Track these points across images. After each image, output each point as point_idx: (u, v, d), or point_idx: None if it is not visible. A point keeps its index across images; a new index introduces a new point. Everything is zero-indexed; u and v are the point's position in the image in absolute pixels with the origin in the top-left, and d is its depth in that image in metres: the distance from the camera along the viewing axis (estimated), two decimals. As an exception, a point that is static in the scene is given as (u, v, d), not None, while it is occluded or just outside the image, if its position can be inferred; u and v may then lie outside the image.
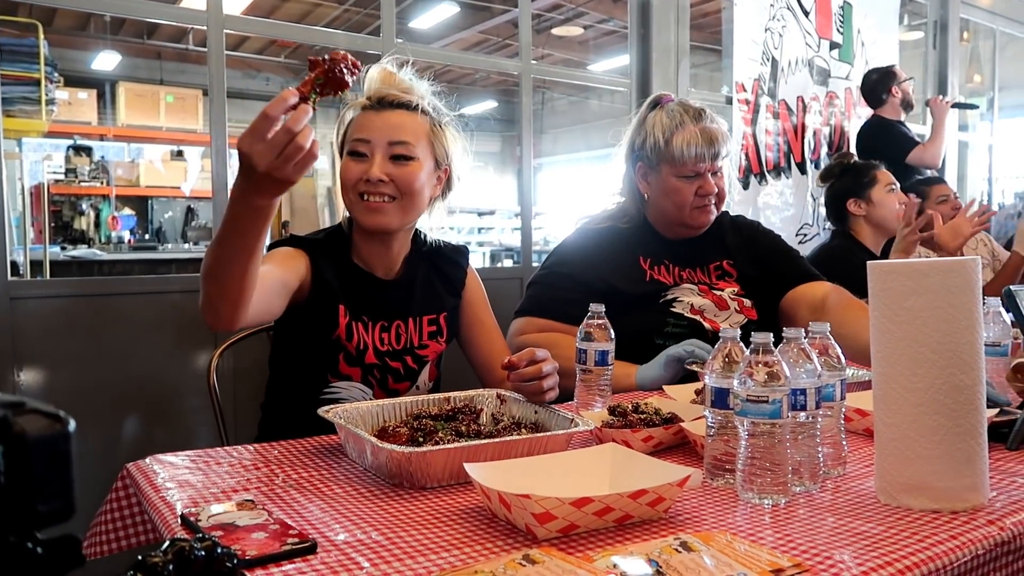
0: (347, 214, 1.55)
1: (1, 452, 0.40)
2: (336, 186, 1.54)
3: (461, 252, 1.70)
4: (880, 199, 2.75)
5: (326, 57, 1.05)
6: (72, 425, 0.43)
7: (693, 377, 1.62)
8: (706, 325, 1.78)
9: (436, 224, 1.64)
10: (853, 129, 3.90)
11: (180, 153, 8.13)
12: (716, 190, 1.81)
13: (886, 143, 3.71)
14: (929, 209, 2.72)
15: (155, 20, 4.41)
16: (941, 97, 3.94)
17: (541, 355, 1.33)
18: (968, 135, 5.16)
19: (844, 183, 2.83)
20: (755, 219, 2.34)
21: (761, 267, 1.92)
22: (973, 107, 4.38)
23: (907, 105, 3.77)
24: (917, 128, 4.25)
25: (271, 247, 1.51)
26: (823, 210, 3.82)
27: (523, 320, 1.80)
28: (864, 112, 3.86)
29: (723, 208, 1.90)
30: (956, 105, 3.94)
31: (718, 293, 1.85)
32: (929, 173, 3.68)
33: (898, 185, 2.81)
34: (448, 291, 1.65)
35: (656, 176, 1.83)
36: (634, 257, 1.85)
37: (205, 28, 2.19)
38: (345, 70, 1.05)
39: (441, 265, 1.65)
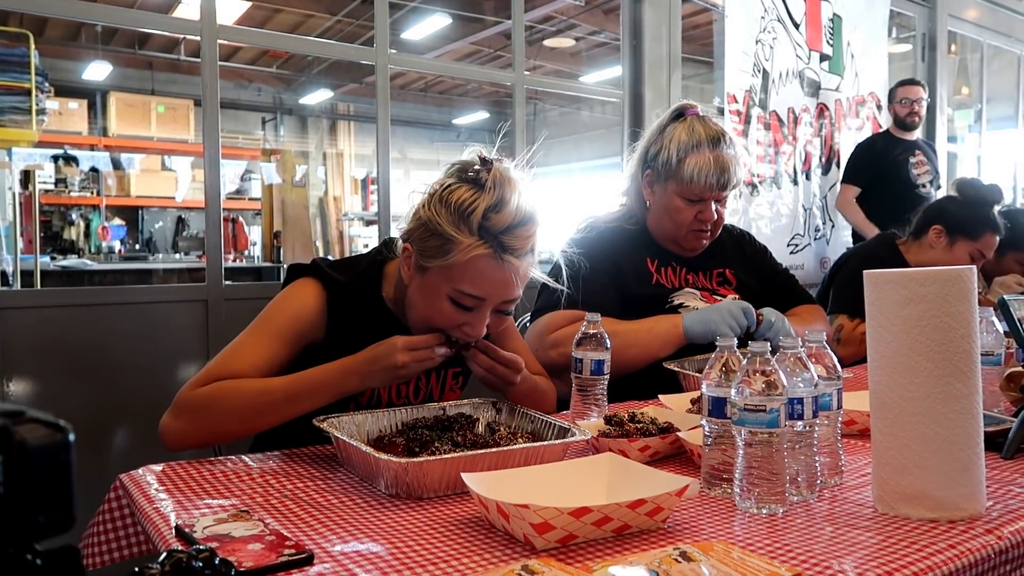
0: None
1: (1, 462, 0.40)
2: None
3: None
4: (955, 255, 2.44)
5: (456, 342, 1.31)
6: (72, 435, 0.43)
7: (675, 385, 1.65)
8: None
9: None
10: (844, 141, 3.93)
11: (169, 164, 8.12)
12: (716, 218, 1.81)
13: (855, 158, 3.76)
14: None
15: (149, 30, 4.40)
16: None
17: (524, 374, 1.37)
18: (957, 147, 5.20)
19: (958, 211, 2.46)
20: (746, 229, 2.37)
21: (760, 282, 1.98)
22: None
23: (901, 123, 3.79)
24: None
25: (291, 272, 1.41)
26: (814, 220, 3.85)
27: (550, 314, 1.72)
28: (854, 124, 3.89)
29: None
30: None
31: (719, 298, 1.87)
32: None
33: (979, 262, 2.46)
34: None
35: (661, 189, 1.83)
36: (642, 258, 1.86)
37: (199, 38, 2.19)
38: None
39: None
